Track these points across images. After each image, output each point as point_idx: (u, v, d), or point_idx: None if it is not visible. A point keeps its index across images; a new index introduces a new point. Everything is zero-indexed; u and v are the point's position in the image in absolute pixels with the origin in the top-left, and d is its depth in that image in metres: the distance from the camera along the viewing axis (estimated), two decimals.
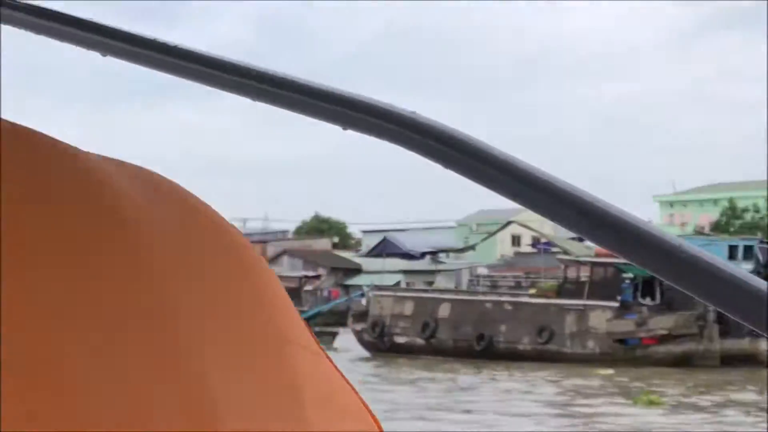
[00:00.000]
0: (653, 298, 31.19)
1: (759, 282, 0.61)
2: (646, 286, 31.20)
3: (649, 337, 30.43)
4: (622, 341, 30.54)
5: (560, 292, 33.73)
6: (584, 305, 31.35)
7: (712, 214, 77.14)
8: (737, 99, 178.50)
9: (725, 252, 33.31)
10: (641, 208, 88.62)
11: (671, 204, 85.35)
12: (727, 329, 30.27)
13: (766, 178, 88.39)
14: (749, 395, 22.91)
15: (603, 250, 33.71)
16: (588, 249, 35.40)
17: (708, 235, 46.13)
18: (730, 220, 73.77)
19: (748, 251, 32.36)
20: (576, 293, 32.09)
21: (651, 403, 17.20)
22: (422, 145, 0.73)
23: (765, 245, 31.61)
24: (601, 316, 31.02)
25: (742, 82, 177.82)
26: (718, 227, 70.31)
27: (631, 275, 31.49)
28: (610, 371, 27.30)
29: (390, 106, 0.75)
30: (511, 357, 30.86)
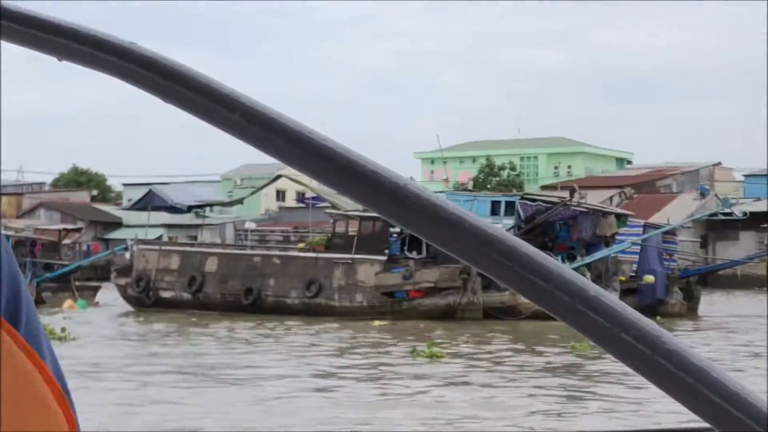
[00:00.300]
0: (419, 252, 31.63)
1: (510, 237, 0.66)
2: (413, 240, 31.59)
3: (415, 290, 30.91)
4: (389, 294, 30.91)
5: (329, 246, 33.75)
6: (352, 259, 31.47)
7: (471, 171, 79.68)
8: (502, 60, 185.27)
9: (488, 207, 34.24)
10: (404, 165, 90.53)
11: (432, 161, 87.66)
12: (489, 282, 31.21)
13: (517, 138, 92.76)
14: (517, 345, 23.63)
15: None
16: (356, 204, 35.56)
17: (471, 191, 47.25)
18: (487, 177, 76.40)
19: (510, 207, 33.30)
20: (344, 247, 32.17)
21: (434, 356, 17.26)
22: (142, 78, 0.70)
23: (525, 201, 32.55)
24: (369, 270, 31.26)
25: (511, 46, 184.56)
26: (476, 183, 72.71)
27: (398, 229, 31.83)
28: (384, 322, 27.61)
29: (109, 36, 0.71)
30: (280, 311, 30.71)
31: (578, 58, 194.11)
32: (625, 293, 31.45)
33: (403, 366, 17.94)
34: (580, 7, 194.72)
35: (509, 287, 0.67)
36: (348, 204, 35.12)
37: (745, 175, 76.94)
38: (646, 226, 34.07)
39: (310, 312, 30.59)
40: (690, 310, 33.23)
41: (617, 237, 32.03)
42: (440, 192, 42.17)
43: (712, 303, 35.68)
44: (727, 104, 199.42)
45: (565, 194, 37.09)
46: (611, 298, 0.68)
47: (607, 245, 31.58)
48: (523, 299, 26.37)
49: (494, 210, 33.83)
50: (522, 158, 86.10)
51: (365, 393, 14.88)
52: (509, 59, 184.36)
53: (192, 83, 0.68)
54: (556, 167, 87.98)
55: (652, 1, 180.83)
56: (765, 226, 60.75)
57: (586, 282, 0.67)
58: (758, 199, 68.40)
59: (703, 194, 67.92)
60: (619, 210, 34.31)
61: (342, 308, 31.08)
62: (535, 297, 0.67)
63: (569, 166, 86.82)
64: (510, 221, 32.84)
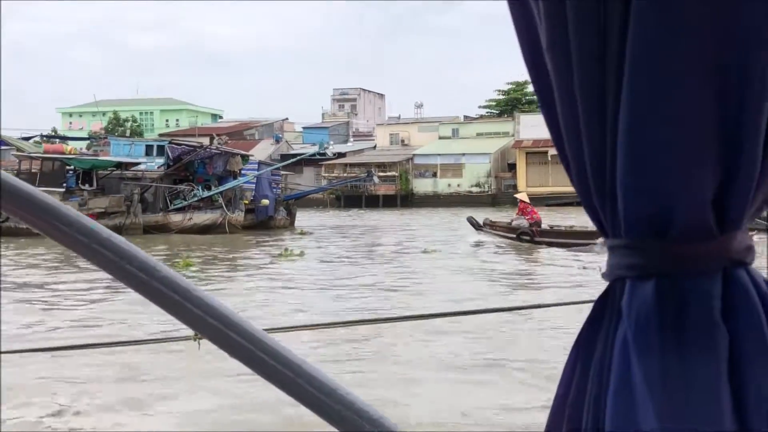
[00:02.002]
0: (91, 185, 30.06)
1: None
2: (86, 176, 29.97)
3: (89, 214, 29.31)
4: None
5: None
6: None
7: (102, 123, 75.50)
8: (119, 40, 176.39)
9: (143, 149, 33.11)
10: (48, 118, 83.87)
11: (71, 114, 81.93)
12: (146, 206, 30.47)
13: (137, 98, 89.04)
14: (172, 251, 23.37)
15: (50, 147, 31.60)
16: (37, 146, 32.74)
17: (129, 137, 45.02)
18: (115, 127, 72.89)
19: (161, 149, 32.51)
20: (29, 182, 29.31)
21: (187, 265, 16.74)
22: None
23: (173, 145, 31.95)
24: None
25: (126, 29, 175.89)
26: (107, 131, 69.14)
27: (73, 167, 29.97)
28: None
29: None
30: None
31: (176, 40, 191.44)
32: (248, 212, 32.23)
33: None
34: (173, 3, 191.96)
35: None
36: (31, 147, 32.33)
37: (304, 127, 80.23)
38: (260, 164, 34.82)
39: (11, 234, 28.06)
40: (291, 223, 34.68)
41: (242, 172, 32.52)
42: (103, 138, 39.92)
43: (301, 218, 37.48)
44: (287, 76, 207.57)
45: (201, 140, 36.89)
46: (117, 237, 0.68)
47: (235, 178, 32.00)
48: (172, 218, 26.01)
49: (149, 151, 32.80)
50: (141, 113, 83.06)
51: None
52: (125, 40, 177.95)
53: None
54: (167, 120, 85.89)
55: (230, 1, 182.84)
56: (321, 163, 63.91)
57: (101, 228, 0.67)
58: (314, 144, 71.91)
59: (277, 140, 69.96)
60: (243, 152, 34.71)
61: (26, 231, 28.72)
62: (61, 241, 0.67)
63: (177, 120, 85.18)
64: (161, 160, 32.12)
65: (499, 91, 73.79)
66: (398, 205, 61.55)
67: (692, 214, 0.77)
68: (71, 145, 31.95)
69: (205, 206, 31.27)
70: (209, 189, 31.30)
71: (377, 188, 63.02)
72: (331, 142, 71.93)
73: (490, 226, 23.71)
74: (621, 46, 0.76)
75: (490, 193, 63.19)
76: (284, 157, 48.88)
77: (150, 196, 30.95)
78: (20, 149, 30.75)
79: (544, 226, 22.69)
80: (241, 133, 71.76)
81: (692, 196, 0.76)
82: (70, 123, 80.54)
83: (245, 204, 32.13)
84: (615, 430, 0.79)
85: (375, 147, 70.59)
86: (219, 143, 32.80)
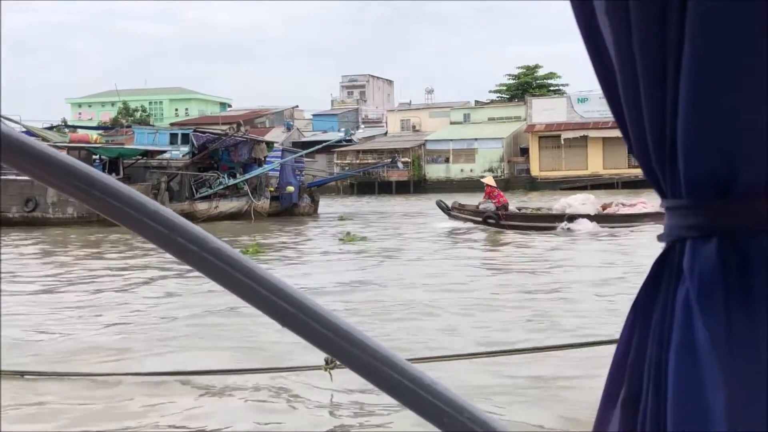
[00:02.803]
0: (118, 174, 29.90)
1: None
2: (112, 165, 29.86)
3: None
4: None
5: None
6: None
7: (111, 113, 75.35)
8: (119, 30, 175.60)
9: (168, 138, 32.98)
10: (57, 109, 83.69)
11: (80, 105, 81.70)
12: (172, 195, 30.38)
13: (146, 88, 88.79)
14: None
15: (75, 137, 31.46)
16: (63, 135, 32.60)
17: (153, 125, 44.78)
18: (125, 117, 72.68)
19: (185, 137, 32.36)
20: None
21: (256, 252, 16.46)
22: None
23: (198, 133, 31.77)
24: None
25: (125, 20, 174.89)
26: (116, 122, 68.96)
27: (99, 156, 29.88)
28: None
29: None
30: (6, 224, 27.69)
31: (179, 30, 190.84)
32: (274, 199, 32.16)
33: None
34: None
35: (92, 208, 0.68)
36: (56, 137, 32.20)
37: (314, 115, 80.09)
38: (284, 151, 34.70)
39: (30, 223, 27.94)
40: (314, 210, 34.64)
41: (267, 159, 32.43)
42: (127, 127, 39.76)
43: (324, 205, 37.47)
44: (292, 64, 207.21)
45: (217, 128, 36.74)
46: (167, 210, 0.67)
47: (260, 165, 31.90)
48: (199, 207, 26.05)
49: (173, 140, 32.67)
50: (150, 103, 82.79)
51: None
52: (125, 29, 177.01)
53: None
54: (176, 110, 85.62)
55: None
56: (333, 151, 63.87)
57: (146, 199, 0.68)
58: (325, 131, 71.76)
59: (288, 128, 69.79)
60: (268, 139, 34.58)
61: (56, 219, 28.74)
62: (110, 214, 0.66)
63: (186, 109, 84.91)
64: (186, 148, 32.00)
65: (510, 75, 73.59)
66: (411, 191, 61.50)
67: (756, 173, 0.76)
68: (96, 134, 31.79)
69: (231, 194, 31.19)
70: (234, 177, 31.20)
71: (390, 174, 62.99)
72: (363, 126, 71.81)
73: (458, 210, 23.87)
74: (683, 2, 0.74)
75: (503, 177, 63.05)
76: (305, 144, 48.67)
77: (176, 184, 30.85)
78: (45, 139, 30.57)
79: (512, 209, 22.87)
80: (251, 121, 71.43)
81: (756, 155, 0.75)
82: (80, 113, 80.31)
83: (271, 191, 32.04)
84: (678, 392, 0.77)
85: (386, 133, 70.44)
86: (245, 130, 32.66)
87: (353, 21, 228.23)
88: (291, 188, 32.45)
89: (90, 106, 74.12)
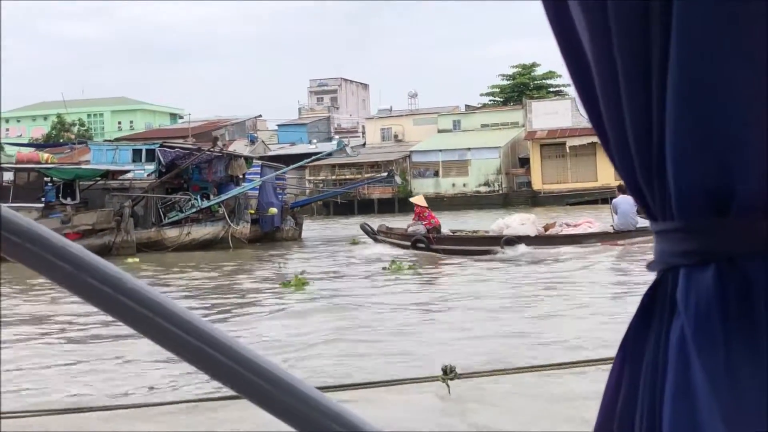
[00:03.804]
0: (74, 198, 29.44)
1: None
2: (67, 188, 29.36)
3: (74, 232, 28.72)
4: None
5: None
6: (9, 207, 28.35)
7: (43, 128, 74.50)
8: (42, 31, 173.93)
9: (130, 155, 32.52)
10: None
11: (7, 120, 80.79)
12: (136, 221, 29.93)
13: (84, 98, 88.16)
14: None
15: (23, 156, 30.92)
16: (8, 156, 32.02)
17: (112, 141, 44.18)
18: (60, 132, 71.96)
19: (151, 154, 31.94)
20: (1, 197, 28.87)
21: (302, 284, 15.95)
22: None
23: (165, 149, 31.33)
24: (28, 217, 28.32)
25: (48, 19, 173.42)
26: (50, 138, 68.24)
27: (51, 178, 29.39)
28: (136, 259, 25.45)
29: None
30: None
31: (114, 32, 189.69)
32: (253, 223, 31.81)
33: None
34: None
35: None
36: (0, 157, 31.59)
37: (279, 125, 79.91)
38: (263, 167, 34.39)
39: None
40: (299, 234, 34.37)
41: (246, 177, 32.12)
42: (80, 143, 39.16)
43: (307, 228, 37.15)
44: (250, 67, 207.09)
45: (178, 141, 36.39)
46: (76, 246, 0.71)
47: (237, 184, 31.57)
48: (168, 234, 25.68)
49: (136, 157, 32.24)
50: (89, 115, 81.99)
51: None
52: (51, 30, 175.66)
53: None
54: (119, 123, 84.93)
55: None
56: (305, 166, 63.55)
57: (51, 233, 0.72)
58: (293, 143, 71.66)
59: (252, 141, 69.55)
60: (247, 154, 34.29)
61: None
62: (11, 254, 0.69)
63: (131, 121, 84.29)
64: (151, 167, 31.58)
65: (503, 75, 74.09)
66: (396, 210, 61.39)
67: (756, 188, 0.75)
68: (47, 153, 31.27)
69: (204, 218, 30.78)
70: (207, 198, 30.84)
71: (371, 191, 62.89)
72: (337, 137, 71.53)
73: (385, 234, 24.30)
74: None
75: (501, 192, 63.32)
76: (274, 159, 48.26)
77: (140, 208, 30.40)
78: None
79: (446, 231, 23.20)
80: (208, 134, 71.08)
81: (755, 168, 0.75)
82: (7, 130, 79.35)
83: (251, 213, 31.69)
84: None
85: (364, 144, 70.38)
86: (222, 144, 32.34)
87: (313, 16, 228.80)
88: (274, 210, 32.12)
89: (18, 121, 73.19)
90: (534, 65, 73.41)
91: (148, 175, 31.44)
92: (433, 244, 21.92)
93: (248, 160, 32.71)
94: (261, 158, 50.08)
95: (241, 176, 31.64)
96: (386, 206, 62.37)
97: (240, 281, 19.29)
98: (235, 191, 30.94)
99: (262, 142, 69.96)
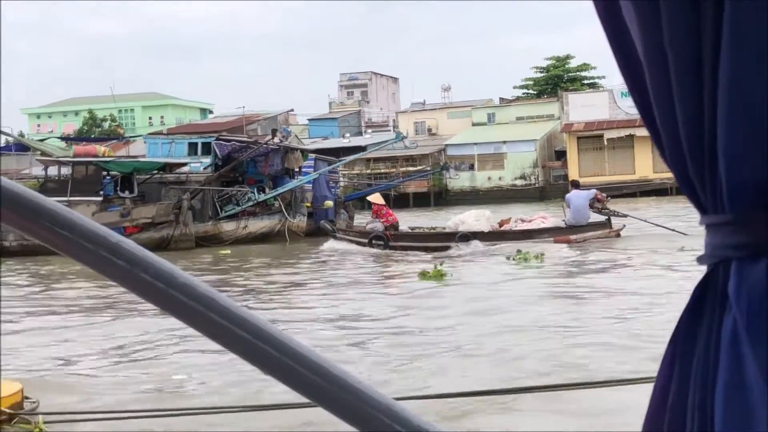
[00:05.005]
0: (132, 192, 29.22)
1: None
2: (125, 181, 29.13)
3: (133, 225, 28.53)
4: None
5: (43, 190, 29.86)
6: (68, 201, 28.12)
7: (75, 123, 74.51)
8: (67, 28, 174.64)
9: (186, 148, 32.29)
10: (14, 120, 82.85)
11: (38, 116, 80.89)
12: (194, 214, 29.67)
13: (114, 94, 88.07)
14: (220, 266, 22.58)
15: (81, 150, 30.66)
16: (65, 150, 31.81)
17: (166, 134, 43.84)
18: (91, 128, 71.95)
19: (206, 147, 31.68)
20: (59, 191, 28.62)
21: (441, 275, 15.50)
22: None
23: (220, 142, 31.01)
24: (86, 210, 28.09)
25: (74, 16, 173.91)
26: (81, 134, 68.17)
27: (109, 172, 29.17)
28: (227, 251, 25.21)
29: None
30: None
31: (141, 27, 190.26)
32: (309, 216, 31.48)
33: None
34: None
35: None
36: (58, 151, 31.43)
37: (309, 119, 79.61)
38: (317, 159, 34.07)
39: (28, 252, 26.97)
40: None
41: (302, 169, 31.85)
42: (137, 136, 38.98)
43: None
44: (278, 63, 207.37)
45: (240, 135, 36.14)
46: (129, 242, 0.68)
47: (291, 177, 31.28)
48: (225, 227, 25.41)
49: (192, 150, 31.99)
50: (120, 111, 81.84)
51: None
52: (77, 27, 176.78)
53: None
54: (150, 118, 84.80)
55: None
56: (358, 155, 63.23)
57: (107, 230, 0.69)
58: (325, 138, 71.40)
59: (287, 135, 69.17)
60: (303, 147, 33.99)
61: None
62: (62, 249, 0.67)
63: (162, 117, 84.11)
64: (208, 160, 31.34)
65: (537, 68, 73.47)
66: (432, 204, 60.93)
67: None
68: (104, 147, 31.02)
69: (261, 212, 30.50)
70: (264, 191, 30.56)
71: (407, 185, 62.50)
72: (371, 132, 71.08)
73: (344, 231, 24.92)
74: None
75: (537, 185, 62.81)
76: (321, 151, 47.76)
77: (197, 202, 30.13)
78: (46, 153, 29.81)
79: (404, 228, 23.89)
80: (241, 128, 70.80)
81: None
82: (38, 126, 79.41)
83: (307, 206, 31.40)
84: None
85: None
86: (282, 137, 32.05)
87: (337, 12, 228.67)
88: (329, 203, 31.80)
89: (50, 117, 73.17)
90: (568, 57, 72.77)
91: (204, 169, 31.16)
92: (390, 241, 22.34)
93: (304, 153, 32.41)
94: (315, 151, 49.83)
95: (297, 169, 31.35)
96: (422, 200, 61.89)
97: (376, 274, 18.88)
98: (292, 184, 30.65)
99: (296, 136, 69.63)
